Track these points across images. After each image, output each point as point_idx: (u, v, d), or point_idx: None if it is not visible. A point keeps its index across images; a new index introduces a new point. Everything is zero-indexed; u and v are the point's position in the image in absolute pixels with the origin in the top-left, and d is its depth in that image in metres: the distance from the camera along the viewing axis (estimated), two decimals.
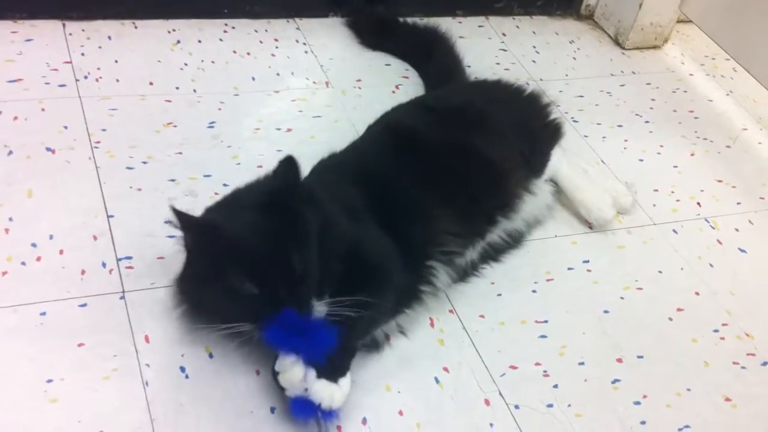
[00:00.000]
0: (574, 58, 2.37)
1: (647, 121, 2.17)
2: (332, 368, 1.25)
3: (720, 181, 2.02)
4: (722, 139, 2.17)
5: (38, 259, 1.43)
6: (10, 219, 1.48)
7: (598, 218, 1.73)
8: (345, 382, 1.26)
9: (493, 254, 1.62)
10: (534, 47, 2.37)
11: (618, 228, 1.81)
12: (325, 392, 1.23)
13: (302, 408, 1.25)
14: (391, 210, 1.44)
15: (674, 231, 1.84)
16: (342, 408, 1.27)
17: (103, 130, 1.71)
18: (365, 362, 1.40)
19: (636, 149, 2.06)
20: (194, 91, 1.89)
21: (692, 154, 2.09)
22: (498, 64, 2.26)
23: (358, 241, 1.35)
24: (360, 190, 1.46)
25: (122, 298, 1.40)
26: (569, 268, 1.68)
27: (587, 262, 1.70)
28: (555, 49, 2.38)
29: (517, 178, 1.64)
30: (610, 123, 2.13)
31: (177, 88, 1.89)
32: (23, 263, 1.42)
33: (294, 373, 1.23)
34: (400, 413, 1.34)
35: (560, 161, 1.77)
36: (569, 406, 1.41)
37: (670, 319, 1.62)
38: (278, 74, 2.03)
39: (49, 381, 1.26)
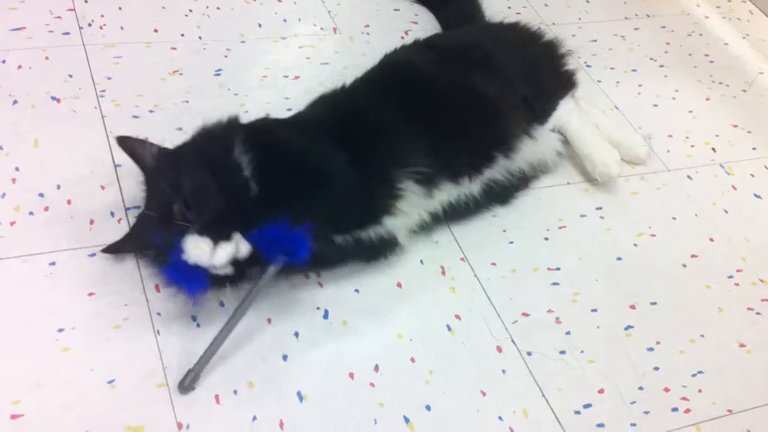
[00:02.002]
0: (587, 2, 2.32)
1: (662, 66, 2.13)
2: (217, 228, 1.22)
3: (735, 126, 1.98)
4: (738, 83, 2.13)
5: (46, 209, 1.42)
6: (17, 169, 1.47)
7: (603, 174, 1.70)
8: (222, 250, 1.20)
9: (499, 193, 1.60)
10: None
11: (631, 174, 1.78)
12: (190, 243, 1.20)
13: (174, 273, 1.22)
14: (359, 135, 1.42)
15: (688, 177, 1.81)
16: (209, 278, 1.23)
17: (108, 78, 1.69)
18: (377, 310, 1.40)
19: (650, 94, 2.02)
20: (200, 38, 1.86)
21: (707, 99, 2.05)
22: (509, 7, 2.21)
23: (301, 153, 1.37)
24: (333, 121, 1.47)
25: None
26: (582, 215, 1.67)
27: (600, 209, 1.68)
28: None
29: (515, 119, 1.61)
30: (623, 68, 2.09)
31: (182, 35, 1.85)
32: (31, 213, 1.41)
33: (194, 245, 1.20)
34: (412, 360, 1.34)
35: (570, 113, 1.73)
36: (582, 352, 1.40)
37: (684, 265, 1.61)
38: (285, 20, 1.99)
39: (61, 330, 1.26)
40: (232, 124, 1.41)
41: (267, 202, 1.29)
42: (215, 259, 1.20)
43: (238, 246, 1.23)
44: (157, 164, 1.34)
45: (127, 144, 1.36)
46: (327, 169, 1.36)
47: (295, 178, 1.33)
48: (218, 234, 1.22)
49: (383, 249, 1.44)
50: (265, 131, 1.43)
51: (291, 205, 1.28)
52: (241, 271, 1.28)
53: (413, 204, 1.45)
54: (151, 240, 1.28)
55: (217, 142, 1.36)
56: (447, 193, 1.49)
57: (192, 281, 1.23)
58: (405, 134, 1.45)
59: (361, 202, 1.38)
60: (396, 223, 1.42)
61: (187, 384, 1.20)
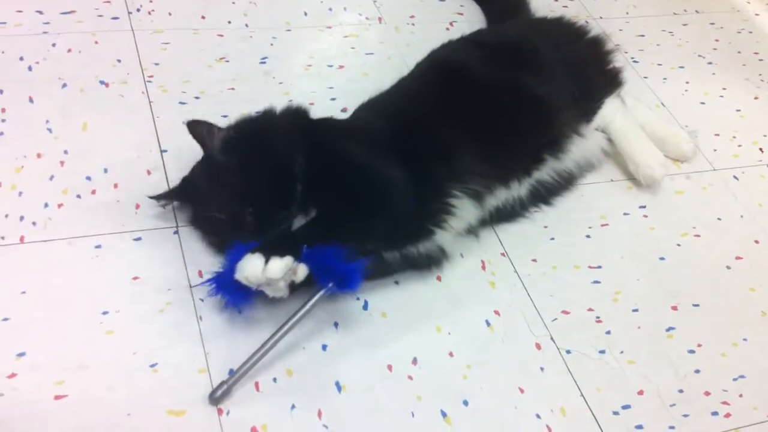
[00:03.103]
0: None
1: (710, 63, 2.10)
2: (268, 246, 1.23)
3: None
4: None
5: (93, 192, 1.44)
6: (66, 152, 1.49)
7: (646, 175, 1.68)
8: (275, 262, 1.21)
9: (545, 195, 1.59)
10: None
11: (676, 173, 1.76)
12: (243, 263, 1.21)
13: (221, 284, 1.25)
14: (417, 146, 1.41)
15: (735, 177, 1.78)
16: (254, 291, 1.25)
17: (156, 64, 1.70)
18: (415, 303, 1.40)
19: (697, 92, 1.99)
20: (246, 25, 1.87)
21: (756, 98, 2.02)
22: (556, 0, 2.19)
23: (359, 166, 1.36)
24: (391, 131, 1.44)
25: (176, 232, 1.41)
26: (625, 213, 1.65)
27: (643, 207, 1.67)
28: None
29: (566, 118, 1.60)
30: (671, 64, 2.06)
31: (229, 22, 1.86)
32: (78, 196, 1.43)
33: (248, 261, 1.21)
34: (451, 354, 1.34)
35: (614, 112, 1.71)
36: (622, 352, 1.39)
37: (728, 267, 1.59)
38: (330, 9, 1.99)
39: (105, 313, 1.28)
40: (297, 121, 1.42)
41: (325, 219, 1.30)
42: (269, 272, 1.20)
43: (297, 270, 1.23)
44: (226, 158, 1.34)
45: (195, 129, 1.35)
46: (388, 188, 1.35)
47: (355, 197, 1.32)
48: (280, 252, 1.22)
49: (430, 262, 1.43)
50: (328, 142, 1.41)
51: (348, 224, 1.29)
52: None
53: (464, 217, 1.45)
54: (198, 207, 1.35)
55: (281, 149, 1.37)
56: (496, 198, 1.49)
57: (238, 295, 1.24)
58: (462, 147, 1.44)
59: (416, 220, 1.38)
60: (445, 237, 1.42)
61: (219, 396, 1.20)
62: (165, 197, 1.40)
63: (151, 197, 1.40)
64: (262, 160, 1.34)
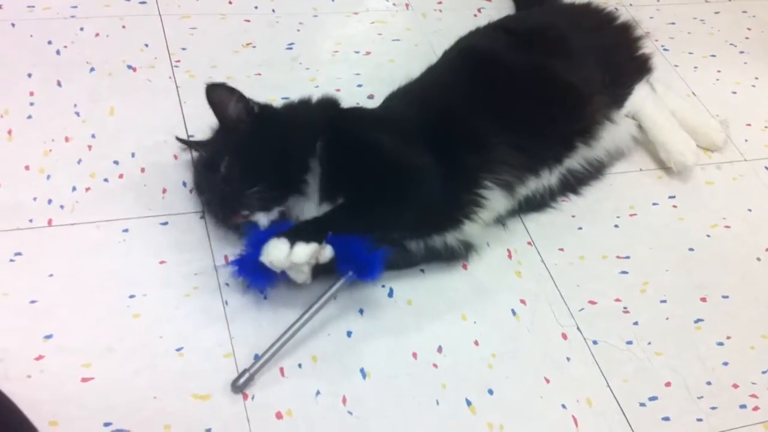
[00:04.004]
0: None
1: (742, 52, 2.06)
2: (294, 231, 1.23)
3: None
4: None
5: (120, 176, 1.45)
6: (93, 136, 1.50)
7: (678, 163, 1.66)
8: (301, 247, 1.21)
9: (574, 183, 1.58)
10: None
11: (707, 163, 1.73)
12: (268, 246, 1.21)
13: (244, 267, 1.25)
14: (447, 135, 1.40)
15: (766, 168, 1.75)
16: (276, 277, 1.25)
17: (183, 49, 1.70)
18: (441, 291, 1.39)
19: (729, 81, 1.96)
20: (273, 11, 1.86)
21: None
22: None
23: (384, 153, 1.35)
24: (421, 120, 1.43)
25: (202, 217, 1.41)
26: (654, 204, 1.63)
27: (673, 197, 1.65)
28: None
29: (598, 104, 1.58)
30: (702, 52, 2.03)
31: (256, 7, 1.86)
32: (106, 180, 1.44)
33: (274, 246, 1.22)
34: (476, 343, 1.33)
35: (644, 99, 1.69)
36: (649, 344, 1.38)
37: (758, 259, 1.56)
38: None
39: (132, 297, 1.28)
40: (325, 107, 1.42)
41: (351, 206, 1.30)
42: (294, 256, 1.20)
43: (323, 250, 1.23)
44: (240, 128, 1.35)
45: (215, 93, 1.34)
46: (415, 176, 1.34)
47: (381, 184, 1.31)
48: (305, 238, 1.22)
49: (457, 252, 1.41)
50: (353, 129, 1.41)
51: (374, 211, 1.29)
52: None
53: (494, 208, 1.44)
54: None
55: (304, 126, 1.36)
56: (527, 188, 1.48)
57: (260, 277, 1.24)
58: (493, 135, 1.43)
59: (444, 210, 1.37)
60: (473, 228, 1.41)
61: (241, 384, 1.20)
62: (187, 144, 1.48)
63: (178, 138, 1.48)
64: (274, 139, 1.34)
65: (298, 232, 1.24)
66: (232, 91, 1.33)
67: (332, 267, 1.27)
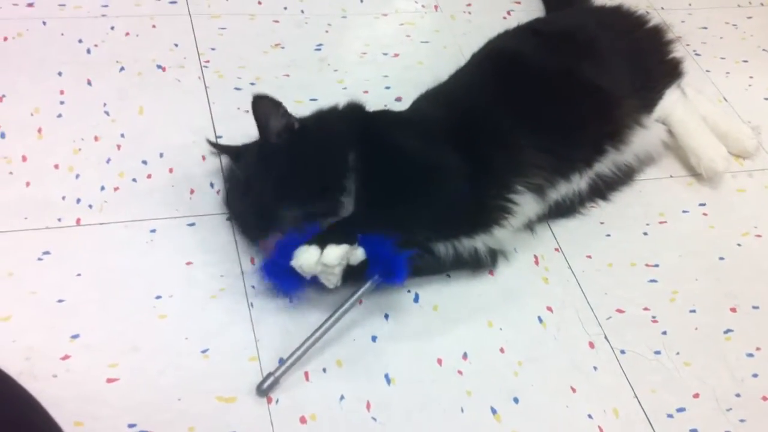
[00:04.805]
0: None
1: None
2: (324, 234, 1.23)
3: None
4: None
5: (149, 176, 1.45)
6: (122, 135, 1.50)
7: (708, 169, 1.63)
8: (332, 249, 1.21)
9: (603, 189, 1.56)
10: None
11: (738, 170, 1.71)
12: (299, 251, 1.22)
13: (272, 271, 1.25)
14: (477, 138, 1.39)
15: None
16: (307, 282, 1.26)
17: (213, 49, 1.71)
18: (467, 296, 1.38)
19: (761, 87, 1.93)
20: (302, 11, 1.86)
21: None
22: None
23: (412, 154, 1.34)
24: (450, 122, 1.42)
25: (229, 219, 1.41)
26: (684, 211, 1.61)
27: (703, 205, 1.62)
28: None
29: (627, 108, 1.56)
30: (734, 57, 2.00)
31: (285, 8, 1.86)
32: (134, 180, 1.44)
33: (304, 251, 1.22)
34: (502, 350, 1.32)
35: (675, 104, 1.67)
36: (678, 354, 1.36)
37: None
38: None
39: (158, 297, 1.29)
40: (353, 115, 1.42)
41: (377, 205, 1.30)
42: (325, 258, 1.20)
43: (354, 251, 1.23)
44: (281, 145, 1.34)
45: (261, 105, 1.33)
46: (442, 176, 1.33)
47: (409, 184, 1.30)
48: (336, 240, 1.22)
49: (484, 258, 1.40)
50: (382, 132, 1.40)
51: (402, 211, 1.29)
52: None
53: (525, 213, 1.42)
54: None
55: (337, 140, 1.36)
56: (557, 192, 1.47)
57: (288, 281, 1.25)
58: (523, 138, 1.41)
59: (475, 211, 1.36)
60: (504, 234, 1.40)
61: (266, 388, 1.19)
62: (218, 148, 1.47)
63: (209, 141, 1.48)
64: (310, 157, 1.33)
65: (328, 235, 1.24)
66: (278, 105, 1.33)
67: (361, 271, 1.26)
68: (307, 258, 1.21)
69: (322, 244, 1.21)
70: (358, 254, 1.24)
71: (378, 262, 1.25)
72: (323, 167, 1.33)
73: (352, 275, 1.27)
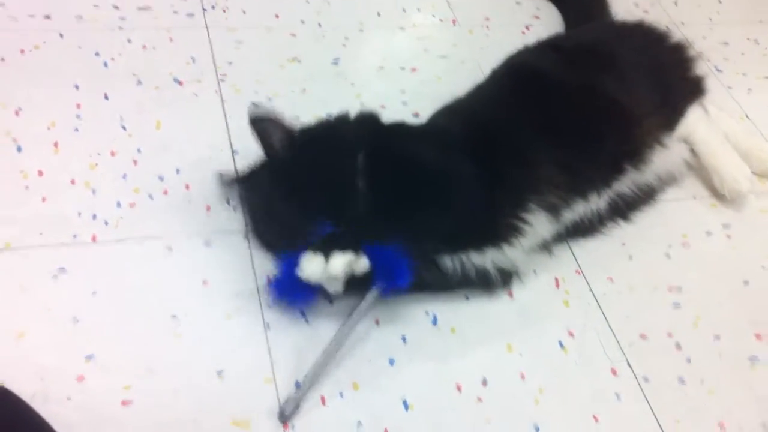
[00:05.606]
0: (720, 2, 2.20)
1: None
2: (327, 242, 1.21)
3: None
4: None
5: (165, 192, 1.43)
6: (139, 150, 1.49)
7: (732, 190, 1.61)
8: (337, 258, 1.20)
9: (624, 208, 1.53)
10: None
11: (763, 191, 1.68)
12: (304, 261, 1.20)
13: (282, 287, 1.24)
14: (493, 153, 1.37)
15: None
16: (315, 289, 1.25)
17: (230, 63, 1.69)
18: (486, 319, 1.36)
19: None
20: (319, 25, 1.84)
21: None
22: (636, 5, 2.12)
23: (424, 163, 1.33)
24: (467, 137, 1.40)
25: (246, 237, 1.39)
26: (707, 233, 1.58)
27: (727, 226, 1.60)
28: None
29: (648, 126, 1.54)
30: (756, 74, 1.98)
31: (302, 21, 1.84)
32: (150, 196, 1.42)
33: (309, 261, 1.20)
34: (522, 376, 1.30)
35: (697, 122, 1.64)
36: (702, 382, 1.33)
37: None
38: (404, 10, 1.96)
39: (174, 316, 1.27)
40: (365, 125, 1.40)
41: (386, 214, 1.28)
42: (330, 268, 1.19)
43: (358, 260, 1.21)
44: (286, 157, 1.34)
45: (260, 124, 1.34)
46: (454, 185, 1.31)
47: (419, 188, 1.28)
48: (340, 246, 1.21)
49: (496, 282, 1.38)
50: (395, 141, 1.39)
51: (412, 219, 1.27)
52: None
53: (538, 233, 1.39)
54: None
55: (346, 148, 1.34)
56: (573, 212, 1.44)
57: (299, 294, 1.24)
58: (540, 155, 1.39)
59: (486, 225, 1.33)
60: (517, 253, 1.37)
61: (288, 413, 1.17)
62: (227, 180, 1.44)
63: (219, 174, 1.44)
64: (319, 164, 1.32)
65: (332, 241, 1.22)
66: (273, 121, 1.33)
67: (365, 279, 1.24)
68: (312, 269, 1.20)
69: (327, 251, 1.20)
70: (362, 263, 1.22)
71: (380, 266, 1.23)
72: (330, 170, 1.31)
73: (357, 282, 1.25)
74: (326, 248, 1.20)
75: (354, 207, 1.29)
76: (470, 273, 1.34)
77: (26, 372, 1.16)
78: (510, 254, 1.36)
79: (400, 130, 1.46)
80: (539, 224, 1.38)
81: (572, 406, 1.27)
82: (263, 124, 1.33)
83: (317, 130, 1.38)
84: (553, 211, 1.40)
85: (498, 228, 1.35)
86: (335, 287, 1.25)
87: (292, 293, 1.25)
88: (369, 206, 1.29)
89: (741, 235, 1.59)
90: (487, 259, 1.35)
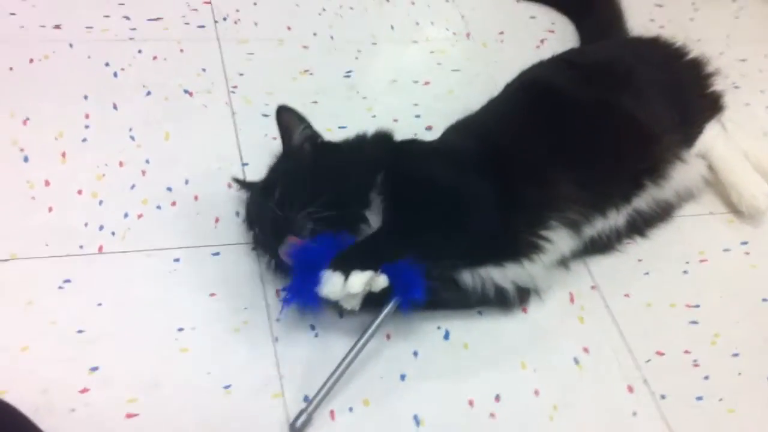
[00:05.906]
0: (737, 18, 2.18)
1: None
2: (346, 260, 1.19)
3: None
4: None
5: (173, 204, 1.42)
6: (147, 161, 1.47)
7: (750, 206, 1.58)
8: (356, 277, 1.17)
9: (642, 225, 1.51)
10: (693, 4, 2.18)
11: None
12: (323, 280, 1.17)
13: (294, 291, 1.21)
14: (510, 170, 1.35)
15: None
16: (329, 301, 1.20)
17: (241, 74, 1.68)
18: (499, 335, 1.33)
19: None
20: (331, 37, 1.83)
21: None
22: (652, 21, 2.10)
23: (439, 180, 1.31)
24: (482, 155, 1.38)
25: (254, 249, 1.37)
26: (725, 250, 1.55)
27: (745, 243, 1.56)
28: (716, 7, 2.19)
29: (668, 143, 1.51)
30: None
31: (314, 34, 1.83)
32: (158, 207, 1.40)
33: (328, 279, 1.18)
34: (536, 393, 1.26)
35: (716, 138, 1.62)
36: (721, 400, 1.30)
37: None
38: (417, 23, 1.94)
39: (180, 330, 1.24)
40: (382, 144, 1.39)
41: (403, 229, 1.25)
42: (350, 286, 1.16)
43: (377, 278, 1.19)
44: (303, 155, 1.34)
45: (283, 117, 1.36)
46: (470, 203, 1.29)
47: (435, 210, 1.26)
48: (359, 265, 1.18)
49: (513, 301, 1.35)
50: (409, 159, 1.38)
51: (427, 237, 1.25)
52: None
53: (559, 249, 1.37)
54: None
55: (364, 159, 1.34)
56: (593, 228, 1.41)
57: (309, 297, 1.20)
58: (558, 172, 1.37)
59: (504, 244, 1.31)
60: (535, 270, 1.34)
61: (299, 426, 1.14)
62: (243, 185, 1.43)
63: (235, 179, 1.44)
64: (333, 170, 1.31)
65: (350, 259, 1.19)
66: (301, 119, 1.35)
67: (381, 296, 1.22)
68: (331, 288, 1.17)
69: (346, 269, 1.17)
70: (381, 281, 1.19)
71: (396, 280, 1.21)
72: (346, 180, 1.29)
73: (372, 300, 1.22)
74: (346, 266, 1.18)
75: (360, 210, 1.28)
76: (489, 292, 1.32)
77: (30, 384, 1.14)
78: (531, 270, 1.33)
79: (417, 149, 1.44)
80: (560, 240, 1.36)
81: (588, 424, 1.24)
82: (289, 116, 1.35)
83: (340, 144, 1.38)
84: (574, 227, 1.37)
85: (518, 244, 1.32)
86: (352, 305, 1.22)
87: (305, 296, 1.21)
88: (388, 225, 1.27)
89: (759, 251, 1.55)
90: (508, 275, 1.32)
